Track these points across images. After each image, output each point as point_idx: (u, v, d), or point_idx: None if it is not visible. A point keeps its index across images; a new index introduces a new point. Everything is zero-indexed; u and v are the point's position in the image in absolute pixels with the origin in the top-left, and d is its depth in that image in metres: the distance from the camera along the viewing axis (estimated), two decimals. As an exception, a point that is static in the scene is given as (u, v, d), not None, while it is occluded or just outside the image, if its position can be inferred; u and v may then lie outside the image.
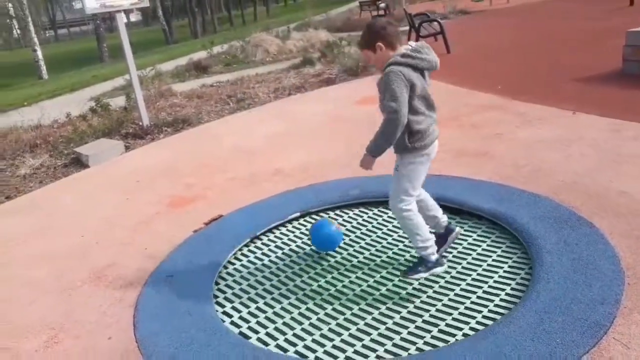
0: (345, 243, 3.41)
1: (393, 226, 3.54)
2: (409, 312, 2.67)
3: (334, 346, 2.50)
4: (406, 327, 2.55)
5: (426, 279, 2.89)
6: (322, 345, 2.52)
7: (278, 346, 2.56)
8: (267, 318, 2.79)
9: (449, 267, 2.97)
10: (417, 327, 2.54)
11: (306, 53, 11.74)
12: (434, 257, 2.86)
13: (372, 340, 2.51)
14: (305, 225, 3.74)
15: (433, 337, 2.45)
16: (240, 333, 2.69)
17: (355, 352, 2.44)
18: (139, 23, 64.41)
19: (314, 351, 2.49)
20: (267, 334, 2.66)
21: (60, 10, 69.04)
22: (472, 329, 2.46)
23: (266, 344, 2.58)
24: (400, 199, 2.79)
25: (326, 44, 11.86)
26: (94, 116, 7.72)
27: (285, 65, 11.01)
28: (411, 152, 2.71)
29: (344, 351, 2.46)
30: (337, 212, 3.87)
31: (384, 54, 2.62)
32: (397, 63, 2.56)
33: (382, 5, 19.47)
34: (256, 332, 2.69)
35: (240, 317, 2.83)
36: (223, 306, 2.95)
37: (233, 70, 11.55)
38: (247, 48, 13.67)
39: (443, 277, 2.89)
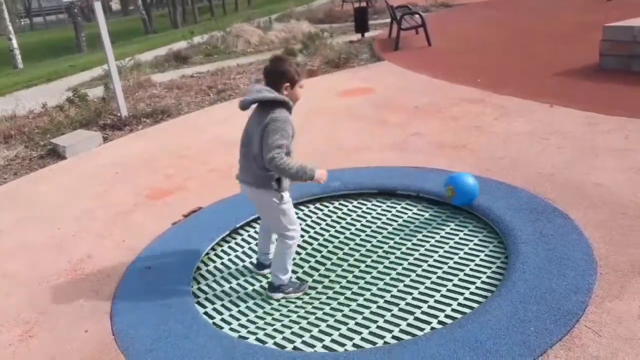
0: (326, 234, 3.42)
1: (367, 220, 3.56)
2: (385, 301, 2.70)
3: (312, 336, 2.52)
4: (382, 316, 2.58)
5: (404, 268, 2.92)
6: (300, 336, 2.53)
7: (257, 339, 2.56)
8: (247, 308, 2.79)
9: (427, 256, 3.01)
10: (393, 316, 2.57)
11: (288, 44, 11.67)
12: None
13: (349, 329, 2.53)
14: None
15: (409, 324, 2.49)
16: (218, 325, 2.69)
17: (333, 340, 2.46)
18: (118, 12, 63.30)
19: (291, 342, 2.50)
20: (246, 326, 2.66)
21: (36, -2, 67.38)
22: (447, 316, 2.49)
23: (245, 337, 2.58)
24: None
25: (308, 35, 11.80)
26: (71, 107, 7.56)
27: (266, 56, 10.92)
28: None
29: (321, 340, 2.48)
30: (318, 204, 3.87)
31: None
32: None
33: (364, -4, 19.40)
34: (234, 323, 2.69)
35: (218, 310, 2.83)
36: (202, 302, 2.94)
37: (213, 61, 11.41)
38: (227, 38, 13.51)
39: (420, 266, 2.92)
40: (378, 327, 2.51)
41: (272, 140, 2.54)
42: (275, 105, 2.61)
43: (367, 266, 3.03)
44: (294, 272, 3.06)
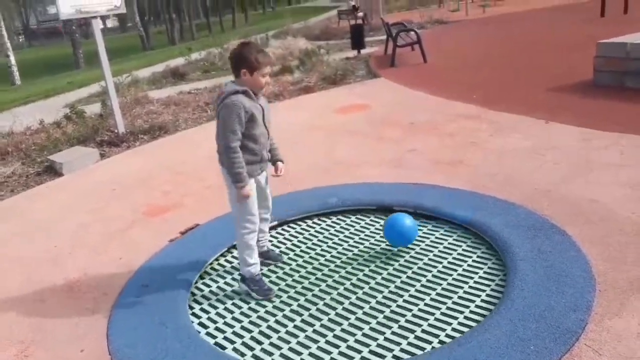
0: (322, 250, 3.41)
1: (365, 235, 3.55)
2: (385, 317, 2.68)
3: (310, 354, 2.49)
4: (383, 333, 2.56)
5: (403, 281, 2.91)
6: (299, 354, 2.51)
7: (255, 356, 2.54)
8: (243, 328, 2.77)
9: (425, 271, 3.00)
10: (393, 333, 2.55)
11: (285, 61, 11.75)
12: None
13: (348, 347, 2.51)
14: (283, 234, 3.73)
15: (410, 343, 2.47)
16: (216, 343, 2.66)
17: (333, 359, 2.45)
18: (115, 29, 63.77)
19: (290, 361, 2.48)
20: (244, 344, 2.64)
21: (34, 15, 67.89)
22: (448, 335, 2.48)
23: (243, 354, 2.56)
24: None
25: (305, 52, 11.90)
26: (68, 123, 7.58)
27: (263, 73, 10.98)
28: None
29: (321, 359, 2.46)
30: (316, 220, 3.87)
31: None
32: None
33: (361, 14, 19.65)
34: (232, 342, 2.66)
35: (217, 328, 2.80)
36: (199, 317, 2.92)
37: (211, 77, 11.48)
38: (225, 55, 13.61)
39: (419, 281, 2.91)
40: (379, 345, 2.49)
41: (226, 126, 2.69)
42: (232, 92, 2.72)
43: (365, 282, 3.01)
44: (274, 283, 3.08)
